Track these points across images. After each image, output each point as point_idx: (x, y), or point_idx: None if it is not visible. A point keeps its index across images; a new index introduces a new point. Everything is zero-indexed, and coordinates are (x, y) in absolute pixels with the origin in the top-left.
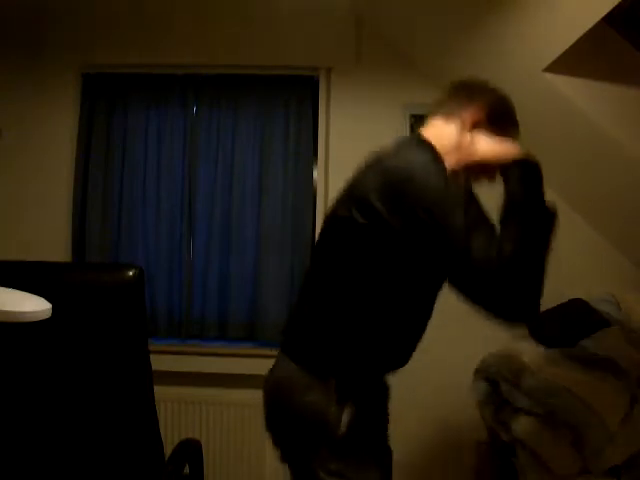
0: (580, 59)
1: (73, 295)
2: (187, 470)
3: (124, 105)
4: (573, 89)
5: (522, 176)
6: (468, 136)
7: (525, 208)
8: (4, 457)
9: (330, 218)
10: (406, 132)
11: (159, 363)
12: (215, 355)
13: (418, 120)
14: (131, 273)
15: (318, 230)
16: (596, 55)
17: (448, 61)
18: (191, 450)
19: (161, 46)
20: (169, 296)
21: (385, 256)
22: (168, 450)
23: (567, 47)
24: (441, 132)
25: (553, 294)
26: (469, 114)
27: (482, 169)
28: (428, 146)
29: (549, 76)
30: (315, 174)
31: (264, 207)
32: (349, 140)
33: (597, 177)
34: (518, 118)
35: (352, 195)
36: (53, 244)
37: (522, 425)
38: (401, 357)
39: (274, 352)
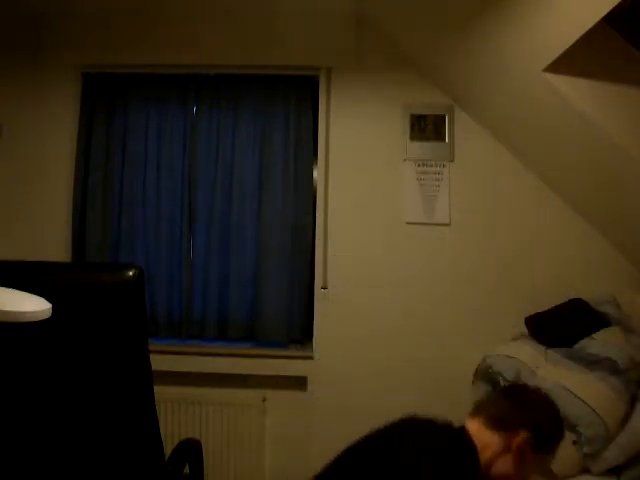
0: (580, 59)
1: (73, 295)
2: (187, 470)
3: (124, 105)
4: (573, 89)
5: None
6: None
7: None
8: (4, 457)
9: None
10: (406, 132)
11: (159, 363)
12: (215, 355)
13: (419, 120)
14: (131, 273)
15: (318, 230)
16: (596, 55)
17: (448, 61)
18: (191, 450)
19: (161, 46)
20: (169, 296)
21: None
22: (168, 450)
23: (567, 47)
24: (486, 441)
25: (553, 294)
26: (517, 436)
27: None
28: (470, 454)
29: (549, 76)
30: (315, 174)
31: (264, 207)
32: (349, 140)
33: (597, 176)
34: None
35: (384, 470)
36: (53, 244)
37: None
38: None
39: (274, 352)
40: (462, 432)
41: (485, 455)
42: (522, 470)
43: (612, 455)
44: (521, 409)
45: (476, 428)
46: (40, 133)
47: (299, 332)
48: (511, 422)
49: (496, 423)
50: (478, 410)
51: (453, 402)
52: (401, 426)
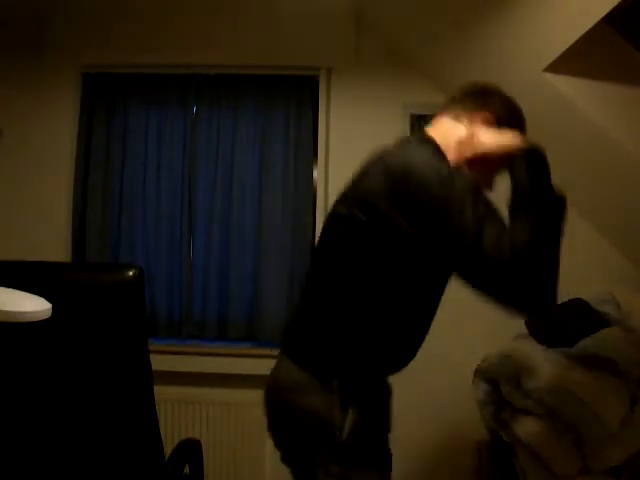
0: (580, 59)
1: (73, 295)
2: (187, 470)
3: (124, 105)
4: (573, 89)
5: (528, 165)
6: (469, 130)
7: (534, 197)
8: (4, 457)
9: (330, 217)
10: (406, 132)
11: (159, 363)
12: (215, 355)
13: (419, 120)
14: (131, 273)
15: (318, 230)
16: (596, 55)
17: (448, 61)
18: (191, 450)
19: (161, 46)
20: (169, 296)
21: (387, 253)
22: (168, 450)
23: (567, 47)
24: (447, 130)
25: None
26: (478, 118)
27: (486, 163)
28: (430, 143)
29: (549, 76)
30: (315, 174)
31: (264, 207)
32: (349, 140)
33: (597, 177)
34: (526, 124)
35: (353, 193)
36: (53, 244)
37: (522, 425)
38: (404, 357)
39: (274, 352)
40: (418, 135)
41: (451, 141)
42: (486, 141)
43: (612, 455)
44: (480, 100)
45: (439, 127)
46: (40, 133)
47: None
48: (472, 107)
49: (458, 116)
50: (440, 112)
51: (453, 402)
52: None
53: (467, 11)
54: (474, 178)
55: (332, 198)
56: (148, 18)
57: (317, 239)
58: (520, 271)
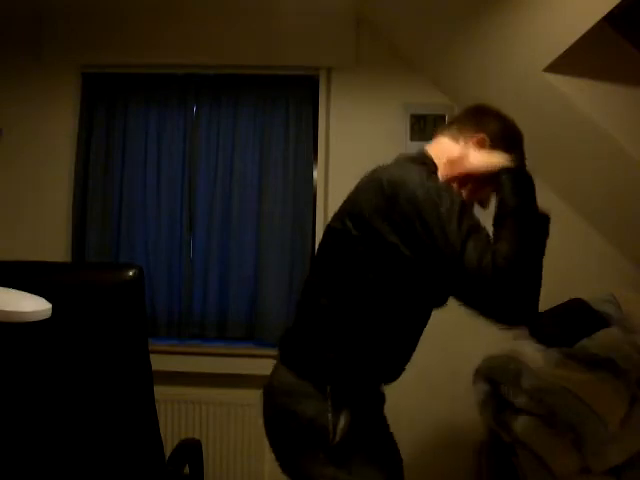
0: (580, 59)
1: (73, 295)
2: (187, 470)
3: (124, 105)
4: (573, 89)
5: (513, 184)
6: (462, 150)
7: (518, 213)
8: (4, 457)
9: (327, 230)
10: (406, 132)
11: (159, 363)
12: (215, 355)
13: (419, 120)
14: (131, 273)
15: (318, 230)
16: (596, 55)
17: (448, 61)
18: (191, 450)
19: (161, 46)
20: (169, 296)
21: (379, 266)
22: (168, 450)
23: (567, 47)
24: (443, 149)
25: (553, 294)
26: (473, 139)
27: (477, 182)
28: (425, 161)
29: (549, 76)
30: (315, 174)
31: (264, 207)
32: (349, 140)
33: (597, 177)
34: (523, 145)
35: (347, 208)
36: (53, 244)
37: (522, 425)
38: (395, 367)
39: (274, 352)
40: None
41: (445, 160)
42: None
43: (612, 455)
44: (479, 121)
45: (436, 145)
46: (40, 133)
47: None
48: (468, 128)
49: (456, 136)
50: (440, 131)
51: (453, 402)
52: None
53: (467, 11)
54: (461, 195)
55: (332, 198)
56: (148, 18)
57: (317, 246)
58: (502, 286)
